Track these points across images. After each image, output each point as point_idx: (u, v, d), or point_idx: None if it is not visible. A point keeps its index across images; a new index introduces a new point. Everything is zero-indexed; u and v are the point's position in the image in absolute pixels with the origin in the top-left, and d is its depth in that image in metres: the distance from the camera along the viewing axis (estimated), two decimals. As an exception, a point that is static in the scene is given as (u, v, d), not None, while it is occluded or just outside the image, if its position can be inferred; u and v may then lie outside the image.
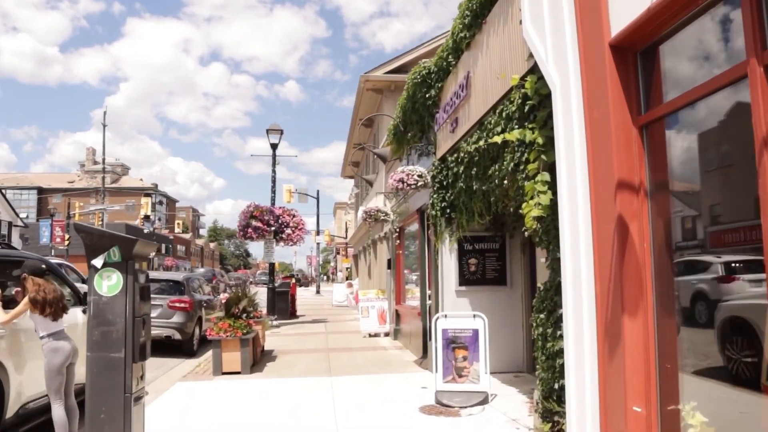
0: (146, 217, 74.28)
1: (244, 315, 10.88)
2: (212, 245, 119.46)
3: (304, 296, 39.18)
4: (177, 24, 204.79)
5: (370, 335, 15.44)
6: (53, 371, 5.32)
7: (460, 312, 8.65)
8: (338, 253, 67.49)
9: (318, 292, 47.25)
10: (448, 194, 9.52)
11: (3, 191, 54.74)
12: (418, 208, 11.46)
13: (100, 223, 53.23)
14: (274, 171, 19.69)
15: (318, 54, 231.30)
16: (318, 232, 46.15)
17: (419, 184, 9.71)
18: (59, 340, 5.38)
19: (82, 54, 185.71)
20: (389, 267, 15.74)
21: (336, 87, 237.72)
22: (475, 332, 7.74)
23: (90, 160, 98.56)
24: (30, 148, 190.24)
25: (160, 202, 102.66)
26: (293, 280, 24.47)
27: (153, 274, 14.80)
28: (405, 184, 9.69)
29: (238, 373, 10.16)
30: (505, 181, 6.54)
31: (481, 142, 6.41)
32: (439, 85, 9.58)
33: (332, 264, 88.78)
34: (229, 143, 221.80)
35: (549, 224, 5.28)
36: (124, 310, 4.17)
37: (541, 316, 5.64)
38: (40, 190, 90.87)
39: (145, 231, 54.02)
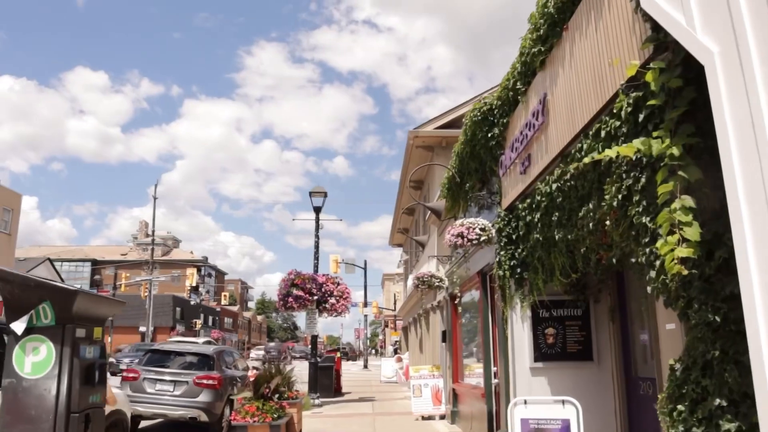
0: (194, 288, 74.04)
1: (276, 396, 9.27)
2: (260, 318, 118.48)
3: (350, 371, 37.18)
4: (231, 105, 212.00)
5: (423, 418, 13.54)
6: None
7: (543, 397, 6.84)
8: (387, 326, 65.33)
9: (365, 366, 45.08)
10: (519, 250, 7.91)
11: (53, 262, 55.27)
12: (480, 270, 9.82)
13: (147, 294, 52.97)
14: (317, 236, 18.38)
15: (365, 130, 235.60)
16: (366, 304, 44.45)
17: (482, 239, 8.15)
18: None
19: (142, 134, 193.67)
20: (444, 340, 13.97)
21: (383, 162, 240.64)
22: (566, 424, 5.95)
23: (143, 233, 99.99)
24: (90, 223, 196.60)
25: (209, 275, 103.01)
26: (338, 354, 22.71)
27: (181, 348, 13.39)
28: (465, 239, 8.14)
29: (267, 467, 8.49)
30: (607, 222, 4.92)
31: (586, 160, 4.81)
32: (504, 120, 8.13)
33: (380, 337, 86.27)
34: (279, 218, 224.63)
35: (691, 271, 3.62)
36: (54, 402, 2.66)
37: (680, 407, 3.89)
38: (94, 262, 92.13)
39: (192, 303, 53.39)
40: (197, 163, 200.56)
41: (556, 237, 6.29)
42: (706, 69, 3.04)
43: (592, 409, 7.69)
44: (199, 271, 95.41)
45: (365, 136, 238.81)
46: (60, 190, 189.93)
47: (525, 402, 6.20)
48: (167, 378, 11.71)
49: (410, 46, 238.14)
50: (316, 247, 18.21)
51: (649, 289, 4.22)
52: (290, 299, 16.64)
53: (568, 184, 5.78)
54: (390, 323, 56.91)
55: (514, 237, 7.98)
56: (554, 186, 6.12)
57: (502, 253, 8.12)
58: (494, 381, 9.47)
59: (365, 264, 43.04)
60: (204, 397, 11.48)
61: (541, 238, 6.89)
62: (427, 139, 16.64)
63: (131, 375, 11.88)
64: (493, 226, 8.28)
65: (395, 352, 43.98)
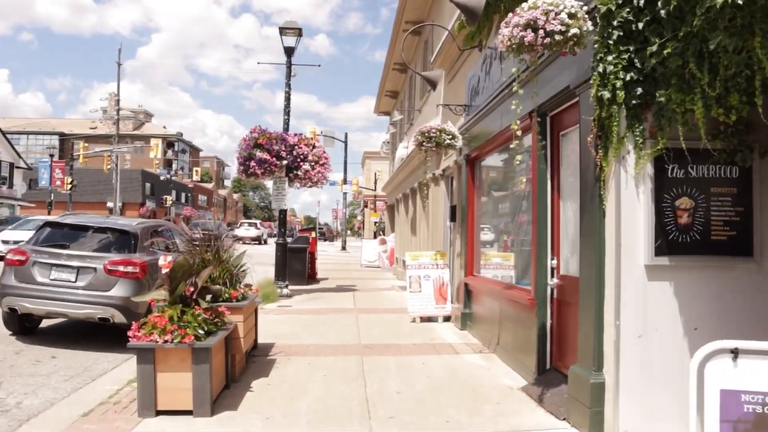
0: (168, 163, 69.37)
1: (209, 297, 5.80)
2: (236, 196, 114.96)
3: (327, 252, 34.29)
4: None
5: (421, 319, 10.34)
6: None
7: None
8: (366, 206, 62.10)
9: (344, 248, 42.28)
10: (649, 51, 4.23)
11: (5, 133, 50.27)
12: (536, 108, 6.15)
13: (110, 167, 49.01)
14: (288, 85, 14.32)
15: (349, 6, 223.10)
16: (345, 181, 40.92)
17: (570, 34, 4.35)
18: None
19: (115, 4, 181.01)
20: (453, 218, 10.53)
21: (366, 41, 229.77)
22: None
23: (112, 106, 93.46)
24: (64, 98, 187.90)
25: (183, 151, 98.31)
26: (313, 234, 19.28)
27: (91, 221, 9.69)
28: (540, 32, 4.34)
29: (189, 413, 5.15)
30: None
31: None
32: None
33: (359, 218, 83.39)
34: (259, 96, 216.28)
35: None
36: None
37: None
38: (62, 135, 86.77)
39: (162, 178, 49.46)
40: (174, 37, 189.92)
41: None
42: None
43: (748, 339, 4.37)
44: (172, 146, 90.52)
45: (348, 13, 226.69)
46: (31, 63, 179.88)
47: (734, 353, 2.71)
48: (68, 263, 8.19)
49: None
50: (287, 99, 14.19)
51: None
52: (252, 163, 12.91)
53: None
54: (370, 204, 53.75)
55: (637, 26, 4.28)
56: None
57: (609, 59, 4.42)
58: (551, 282, 6.08)
59: (345, 137, 39.11)
60: (119, 290, 8.01)
61: (742, 2, 3.19)
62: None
63: (16, 258, 8.32)
64: (593, 11, 4.51)
65: (376, 235, 41.02)
